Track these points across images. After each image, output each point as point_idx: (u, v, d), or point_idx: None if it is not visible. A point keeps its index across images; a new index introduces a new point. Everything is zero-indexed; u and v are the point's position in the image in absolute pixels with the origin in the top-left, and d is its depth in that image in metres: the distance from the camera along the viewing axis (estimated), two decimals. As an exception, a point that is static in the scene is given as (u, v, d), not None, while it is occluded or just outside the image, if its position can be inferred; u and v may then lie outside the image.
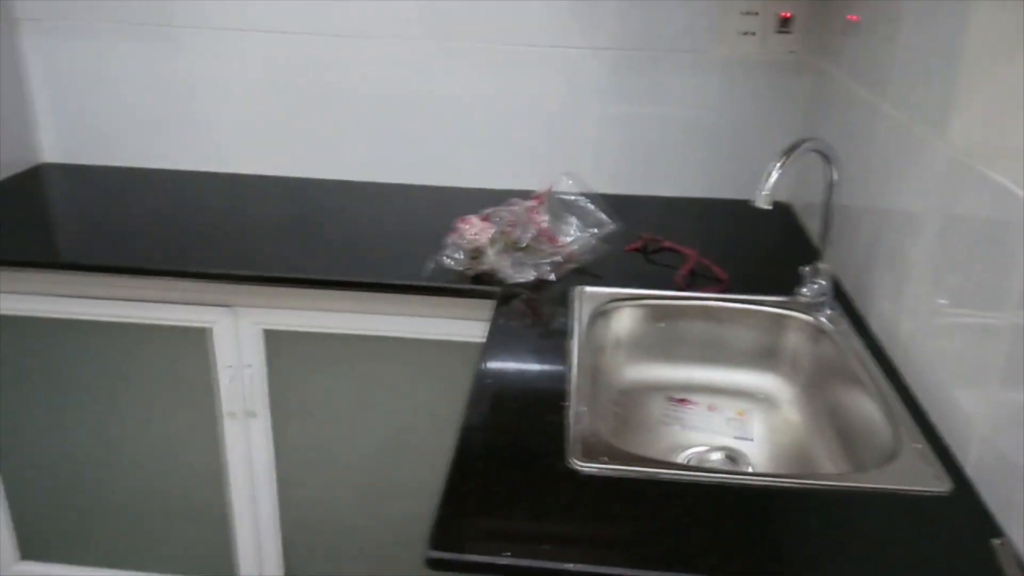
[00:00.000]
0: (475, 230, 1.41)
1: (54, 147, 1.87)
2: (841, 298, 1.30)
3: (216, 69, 1.78)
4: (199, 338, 1.47)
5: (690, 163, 1.77)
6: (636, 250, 1.48)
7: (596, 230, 1.39)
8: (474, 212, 1.45)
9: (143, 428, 1.57)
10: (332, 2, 1.70)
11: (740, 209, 1.73)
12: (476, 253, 1.39)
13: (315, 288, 1.41)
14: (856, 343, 1.17)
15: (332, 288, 1.40)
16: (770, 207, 1.08)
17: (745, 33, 1.64)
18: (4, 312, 1.49)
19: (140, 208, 1.66)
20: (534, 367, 1.13)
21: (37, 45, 1.77)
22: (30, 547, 1.74)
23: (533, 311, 1.29)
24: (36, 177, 1.80)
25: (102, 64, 1.79)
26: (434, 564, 0.77)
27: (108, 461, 1.62)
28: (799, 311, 1.26)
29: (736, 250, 1.53)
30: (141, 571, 1.73)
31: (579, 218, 1.39)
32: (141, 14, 1.73)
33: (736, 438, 1.20)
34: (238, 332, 1.46)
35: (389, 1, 1.69)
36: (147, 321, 1.47)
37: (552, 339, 1.20)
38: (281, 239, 1.55)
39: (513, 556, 0.76)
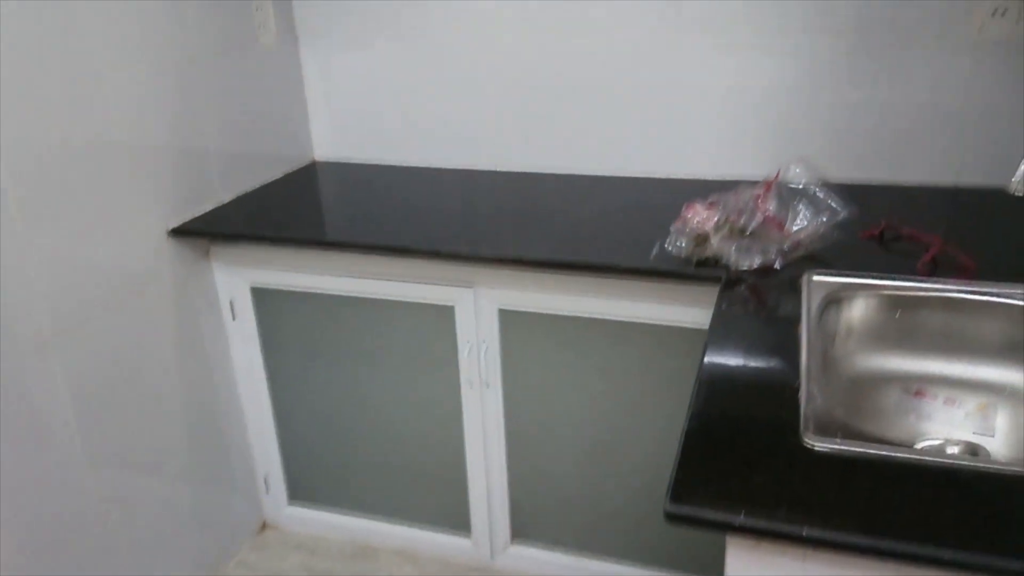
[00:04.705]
0: (700, 216, 1.43)
1: (325, 146, 2.10)
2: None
3: (465, 75, 1.91)
4: (446, 314, 1.63)
5: (933, 149, 1.67)
6: (872, 236, 1.44)
7: (826, 218, 1.38)
8: (700, 200, 1.47)
9: (397, 392, 1.76)
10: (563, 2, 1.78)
11: (989, 197, 1.62)
12: (700, 239, 1.41)
13: (546, 270, 1.50)
14: None
15: (561, 270, 1.48)
16: (1025, 193, 1.03)
17: (994, 13, 1.55)
18: (283, 287, 1.73)
19: (396, 199, 1.83)
20: (762, 349, 1.15)
21: (311, 57, 2.00)
22: (296, 493, 2.01)
23: (758, 297, 1.30)
24: (311, 173, 2.04)
25: (364, 73, 1.99)
26: (672, 518, 0.83)
27: (365, 420, 1.83)
28: (1055, 303, 1.17)
29: (985, 239, 1.44)
30: (390, 519, 1.94)
31: (809, 206, 1.38)
32: (401, 28, 1.90)
33: (976, 433, 1.15)
34: (476, 310, 1.61)
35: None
36: (401, 298, 1.65)
37: (779, 324, 1.21)
38: (517, 227, 1.65)
39: (748, 518, 0.81)
